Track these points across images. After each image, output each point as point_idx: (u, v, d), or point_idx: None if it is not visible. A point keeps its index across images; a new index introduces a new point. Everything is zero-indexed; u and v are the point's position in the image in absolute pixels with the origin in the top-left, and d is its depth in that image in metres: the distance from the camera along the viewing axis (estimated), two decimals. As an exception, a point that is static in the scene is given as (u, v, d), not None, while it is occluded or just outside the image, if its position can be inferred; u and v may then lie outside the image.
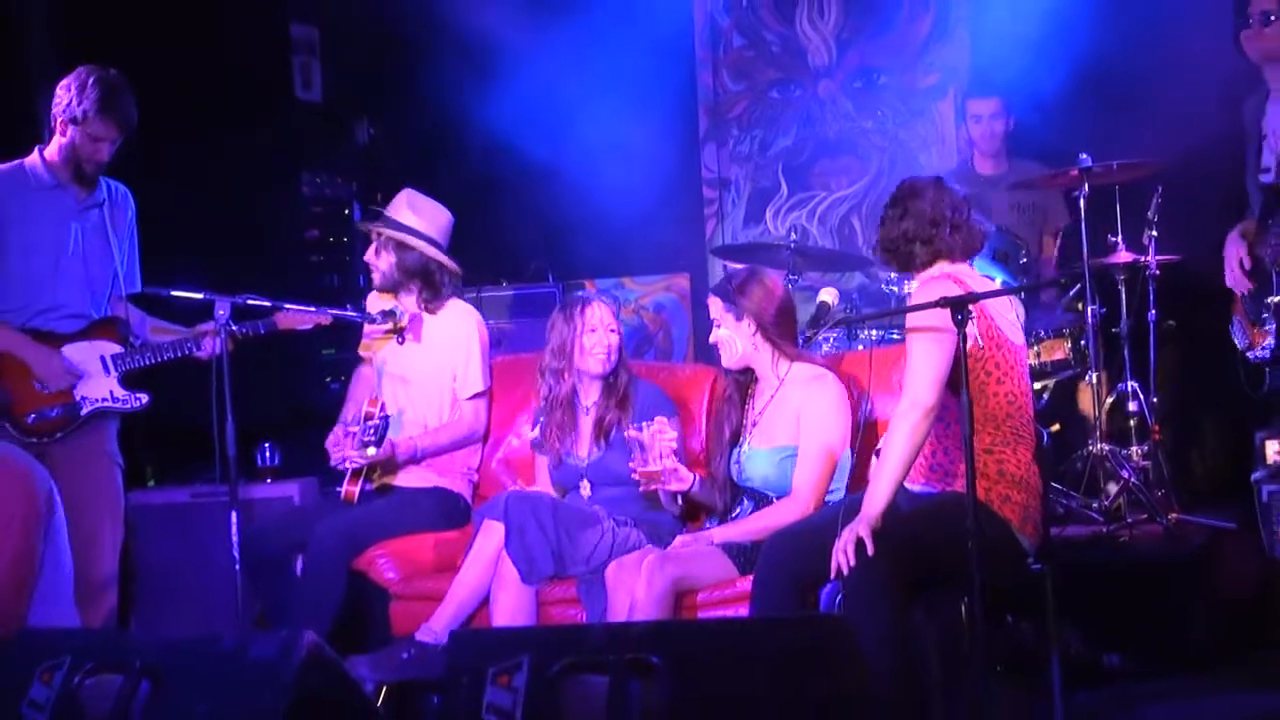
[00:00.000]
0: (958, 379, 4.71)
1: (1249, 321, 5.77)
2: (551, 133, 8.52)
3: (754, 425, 5.54)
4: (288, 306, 5.99)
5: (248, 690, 3.86)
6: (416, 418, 6.15)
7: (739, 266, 6.01)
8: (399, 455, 6.05)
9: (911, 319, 4.76)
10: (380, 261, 6.25)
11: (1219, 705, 5.52)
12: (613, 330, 5.88)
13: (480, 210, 7.82)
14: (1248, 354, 5.81)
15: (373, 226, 6.32)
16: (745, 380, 5.62)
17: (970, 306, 4.71)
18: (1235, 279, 5.79)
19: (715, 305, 5.57)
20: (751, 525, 5.31)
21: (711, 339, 5.61)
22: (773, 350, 5.51)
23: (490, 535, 5.54)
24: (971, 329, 4.71)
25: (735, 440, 5.57)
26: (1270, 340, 5.66)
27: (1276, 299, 5.61)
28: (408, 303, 6.29)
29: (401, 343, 6.27)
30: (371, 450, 5.89)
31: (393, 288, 6.28)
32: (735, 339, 5.51)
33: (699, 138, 9.54)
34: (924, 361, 4.66)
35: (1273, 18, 5.59)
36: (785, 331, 5.51)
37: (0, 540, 4.63)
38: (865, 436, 5.39)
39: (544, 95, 8.50)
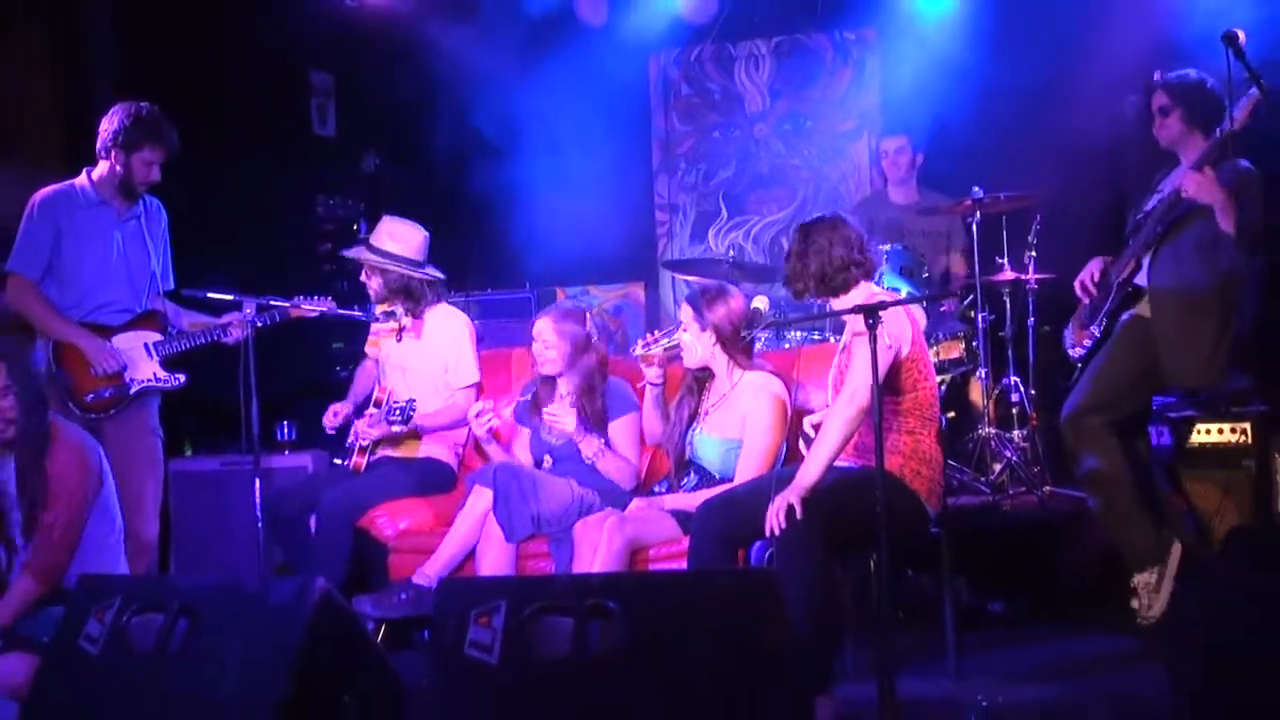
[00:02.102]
0: (892, 379, 4.74)
1: (1079, 325, 5.81)
2: (529, 163, 8.52)
3: (706, 414, 5.50)
4: (304, 305, 5.99)
5: (269, 628, 3.86)
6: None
7: (709, 281, 6.01)
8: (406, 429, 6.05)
9: (856, 325, 4.72)
10: (371, 282, 6.28)
11: (1081, 645, 5.55)
12: (548, 346, 5.84)
13: (467, 227, 7.81)
14: (1069, 351, 5.84)
15: (355, 256, 6.33)
16: (703, 376, 5.58)
17: (906, 317, 4.82)
18: (1080, 285, 5.82)
19: (685, 312, 5.51)
20: (698, 499, 5.28)
21: (675, 338, 5.54)
22: (728, 359, 5.46)
23: (480, 498, 5.56)
24: (906, 332, 4.81)
25: (690, 421, 5.55)
26: (1090, 341, 5.69)
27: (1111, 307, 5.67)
28: (408, 307, 6.28)
29: (400, 340, 6.27)
30: (398, 427, 5.91)
31: (384, 301, 6.29)
32: (696, 344, 5.45)
33: (653, 169, 9.54)
34: (867, 368, 4.60)
35: (1168, 110, 5.59)
36: (741, 346, 5.47)
37: (60, 510, 4.70)
38: (794, 419, 5.40)
39: (523, 132, 8.51)
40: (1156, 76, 5.65)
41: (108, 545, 4.91)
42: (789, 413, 5.39)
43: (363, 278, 6.31)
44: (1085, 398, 5.62)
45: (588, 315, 5.97)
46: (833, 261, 4.95)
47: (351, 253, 6.39)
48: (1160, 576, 5.47)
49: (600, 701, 3.55)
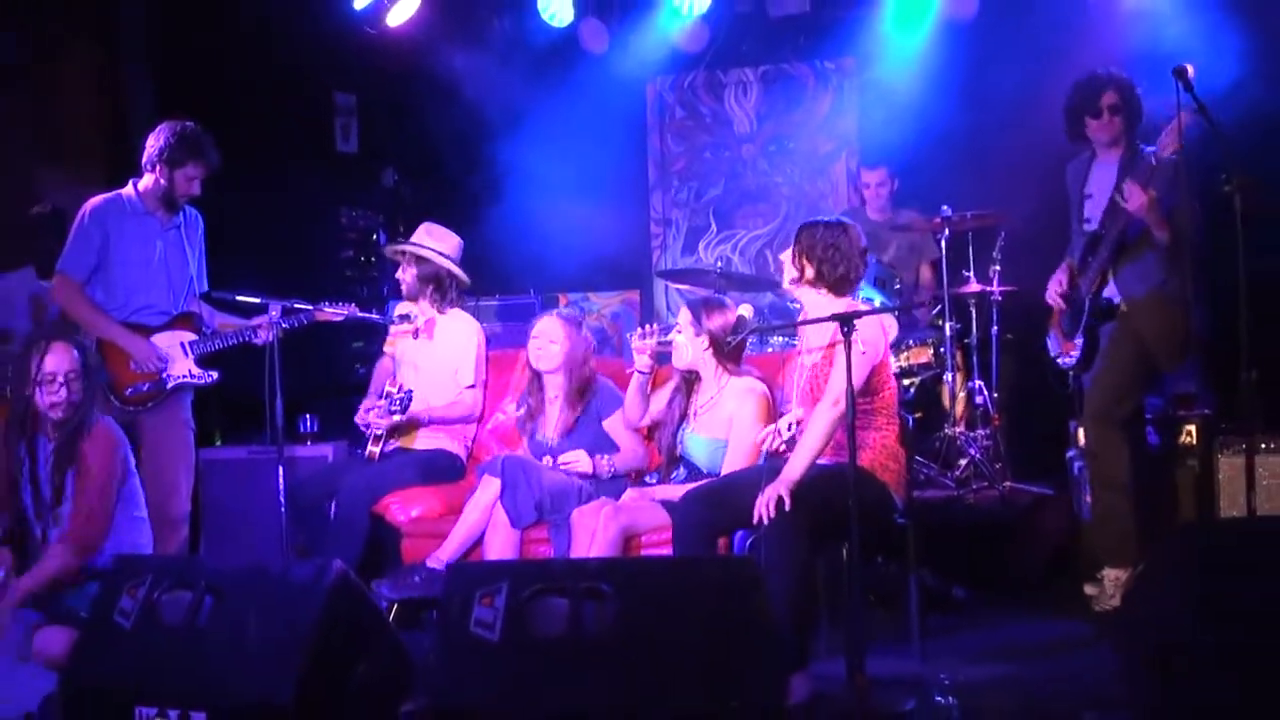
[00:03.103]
0: (866, 382, 4.74)
1: (1063, 336, 5.82)
2: (535, 178, 8.52)
3: (695, 415, 5.46)
4: (327, 309, 5.98)
5: (289, 605, 3.88)
6: (422, 396, 6.10)
7: (710, 293, 6.04)
8: (412, 421, 6.05)
9: (837, 334, 4.68)
10: (405, 274, 6.29)
11: (1036, 628, 5.55)
12: (552, 341, 5.80)
13: (478, 238, 7.75)
14: (1058, 360, 5.86)
15: (398, 247, 6.36)
16: (690, 378, 5.56)
17: (879, 325, 4.82)
18: (1052, 297, 5.85)
19: (684, 315, 5.46)
20: (685, 490, 5.26)
21: (668, 337, 5.48)
22: (717, 364, 5.44)
23: (488, 488, 5.55)
24: (880, 339, 4.81)
25: (680, 420, 5.53)
26: (1077, 351, 5.72)
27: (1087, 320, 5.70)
28: (424, 306, 6.27)
29: (415, 338, 6.26)
30: (397, 416, 5.89)
31: (414, 294, 6.29)
32: (689, 347, 5.42)
33: (649, 186, 9.53)
34: (844, 374, 4.57)
35: (1117, 110, 5.61)
36: (731, 353, 5.45)
37: (91, 492, 4.82)
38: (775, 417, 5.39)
39: (530, 150, 8.49)
40: (1106, 72, 5.65)
41: (135, 527, 5.02)
42: (774, 411, 5.37)
43: (399, 273, 6.32)
44: (1099, 401, 5.66)
45: (585, 325, 5.96)
46: (859, 270, 4.94)
47: (395, 245, 6.43)
48: (1131, 576, 5.46)
49: (593, 676, 3.56)
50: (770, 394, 5.42)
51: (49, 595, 4.74)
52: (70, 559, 4.75)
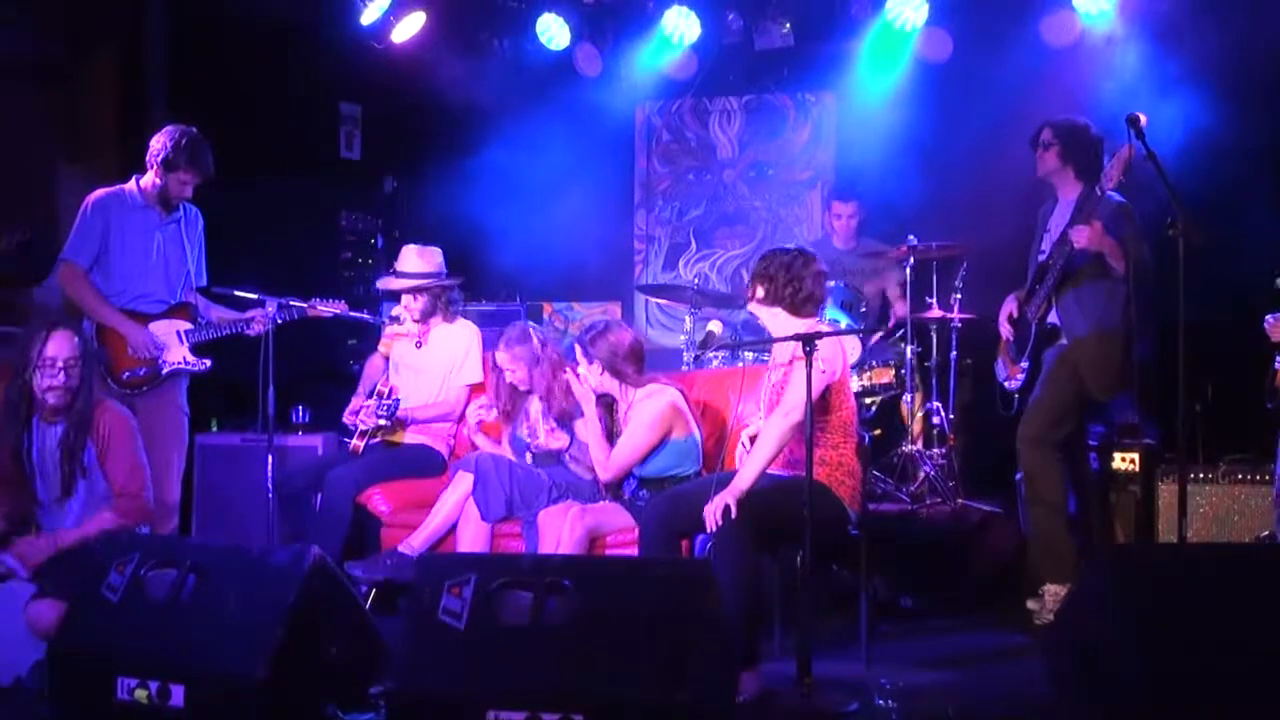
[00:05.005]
0: (822, 400, 4.74)
1: (1009, 360, 5.85)
2: (527, 192, 8.54)
3: (620, 432, 5.50)
4: (320, 307, 5.99)
5: (267, 587, 3.90)
6: (415, 398, 6.12)
7: (601, 319, 6.09)
8: (397, 422, 6.06)
9: (797, 350, 4.69)
10: (412, 308, 6.26)
11: (978, 638, 5.55)
12: (513, 370, 5.83)
13: (470, 248, 7.78)
14: (1004, 384, 5.89)
15: (393, 288, 6.32)
16: (608, 400, 5.57)
17: (839, 347, 4.84)
18: (1002, 325, 5.89)
19: (578, 350, 5.55)
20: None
21: (577, 369, 5.58)
22: (619, 382, 5.48)
23: (461, 482, 5.59)
24: (838, 359, 4.81)
25: (610, 439, 5.53)
26: (1022, 375, 5.75)
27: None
28: (436, 321, 6.29)
29: (419, 347, 6.29)
30: (383, 422, 5.92)
31: (425, 317, 6.28)
32: (589, 375, 5.49)
33: (634, 205, 9.54)
34: (803, 389, 4.53)
35: (1049, 145, 5.69)
36: (631, 368, 5.47)
37: (121, 459, 4.91)
38: (734, 431, 5.40)
39: (523, 165, 8.49)
40: (1057, 116, 5.76)
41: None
42: (681, 411, 5.42)
43: (403, 307, 6.30)
44: (1035, 424, 5.68)
45: (531, 330, 5.96)
46: (811, 292, 4.94)
47: (394, 284, 6.31)
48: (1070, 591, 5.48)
49: (553, 666, 3.58)
50: (683, 395, 5.47)
51: (47, 569, 4.73)
52: (113, 521, 4.80)
